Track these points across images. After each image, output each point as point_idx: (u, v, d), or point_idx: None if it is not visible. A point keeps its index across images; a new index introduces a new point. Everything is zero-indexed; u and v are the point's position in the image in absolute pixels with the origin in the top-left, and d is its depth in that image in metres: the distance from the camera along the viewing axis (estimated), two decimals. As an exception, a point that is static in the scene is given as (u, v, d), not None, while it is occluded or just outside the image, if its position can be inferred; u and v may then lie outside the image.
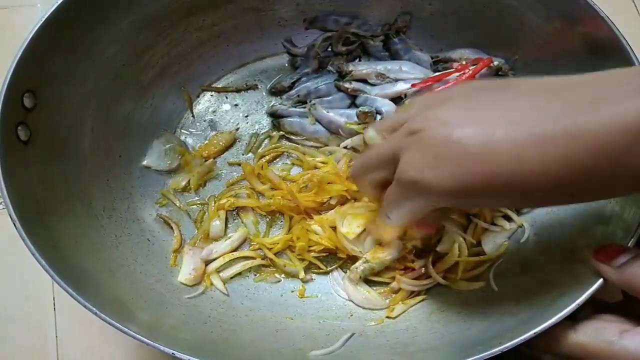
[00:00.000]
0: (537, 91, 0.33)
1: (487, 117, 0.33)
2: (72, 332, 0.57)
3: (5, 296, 0.58)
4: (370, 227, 0.53)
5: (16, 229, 0.41)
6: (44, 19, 0.46)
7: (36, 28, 0.46)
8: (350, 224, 0.54)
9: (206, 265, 0.55)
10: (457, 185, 0.33)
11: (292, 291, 0.56)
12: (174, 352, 0.39)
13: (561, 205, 0.49)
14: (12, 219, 0.41)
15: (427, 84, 0.59)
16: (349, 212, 0.55)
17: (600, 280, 0.39)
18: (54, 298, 0.58)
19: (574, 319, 0.39)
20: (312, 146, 0.62)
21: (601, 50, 0.50)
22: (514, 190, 0.32)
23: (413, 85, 0.59)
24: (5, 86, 0.43)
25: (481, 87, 0.37)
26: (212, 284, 0.55)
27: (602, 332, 0.37)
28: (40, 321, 0.57)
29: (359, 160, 0.45)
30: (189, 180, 0.60)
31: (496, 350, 0.38)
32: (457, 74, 0.58)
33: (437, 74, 0.60)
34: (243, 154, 0.63)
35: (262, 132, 0.64)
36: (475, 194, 0.33)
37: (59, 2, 0.47)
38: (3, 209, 0.42)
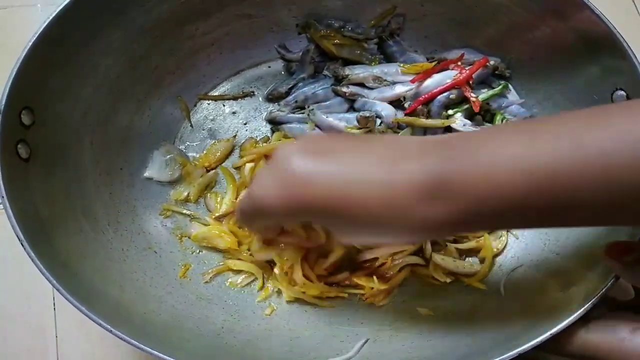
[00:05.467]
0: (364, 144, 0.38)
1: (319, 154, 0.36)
2: (72, 332, 0.57)
3: (5, 296, 0.58)
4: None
5: (24, 248, 0.40)
6: (37, 35, 0.45)
7: (30, 44, 0.45)
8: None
9: None
10: (283, 204, 0.36)
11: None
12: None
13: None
14: (19, 239, 0.41)
15: (427, 75, 0.59)
16: None
17: (613, 278, 0.39)
18: (54, 298, 0.58)
19: (586, 319, 0.38)
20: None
21: (596, 45, 0.50)
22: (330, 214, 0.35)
23: (412, 81, 0.59)
24: (3, 104, 0.43)
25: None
26: None
27: (614, 330, 0.37)
28: (40, 321, 0.57)
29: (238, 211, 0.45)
30: (189, 192, 0.60)
31: (514, 352, 0.38)
32: (456, 71, 0.59)
33: (435, 65, 0.60)
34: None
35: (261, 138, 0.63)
36: (300, 213, 0.36)
37: (51, 17, 0.46)
38: (1, 209, 0.42)
